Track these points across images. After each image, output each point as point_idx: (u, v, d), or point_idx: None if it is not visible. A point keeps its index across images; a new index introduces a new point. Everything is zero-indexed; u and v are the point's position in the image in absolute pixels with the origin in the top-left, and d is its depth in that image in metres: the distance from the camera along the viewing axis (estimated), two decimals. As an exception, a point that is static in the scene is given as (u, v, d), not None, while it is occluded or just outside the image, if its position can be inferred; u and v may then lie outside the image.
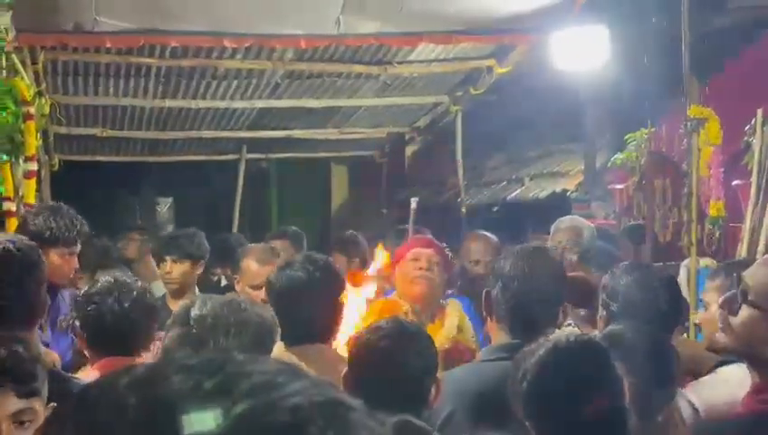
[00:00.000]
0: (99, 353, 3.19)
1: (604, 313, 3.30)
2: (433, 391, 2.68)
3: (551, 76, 7.73)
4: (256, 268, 4.62)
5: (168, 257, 5.10)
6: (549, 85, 8.21)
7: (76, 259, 4.19)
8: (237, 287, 4.87)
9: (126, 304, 3.19)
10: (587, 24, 7.08)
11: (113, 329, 3.16)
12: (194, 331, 2.24)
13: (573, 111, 8.33)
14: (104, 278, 3.35)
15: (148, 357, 3.26)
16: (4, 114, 5.81)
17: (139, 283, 3.37)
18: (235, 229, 9.79)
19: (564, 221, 5.61)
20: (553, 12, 7.01)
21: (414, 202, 4.95)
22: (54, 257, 3.94)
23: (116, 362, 3.00)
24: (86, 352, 3.35)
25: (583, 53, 7.15)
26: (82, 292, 3.37)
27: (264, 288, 4.23)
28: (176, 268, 5.08)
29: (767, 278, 2.92)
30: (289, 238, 6.28)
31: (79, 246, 4.18)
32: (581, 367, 2.28)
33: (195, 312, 2.28)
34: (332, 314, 3.28)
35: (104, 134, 9.43)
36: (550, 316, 3.06)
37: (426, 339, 2.80)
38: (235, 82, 8.42)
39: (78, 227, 4.12)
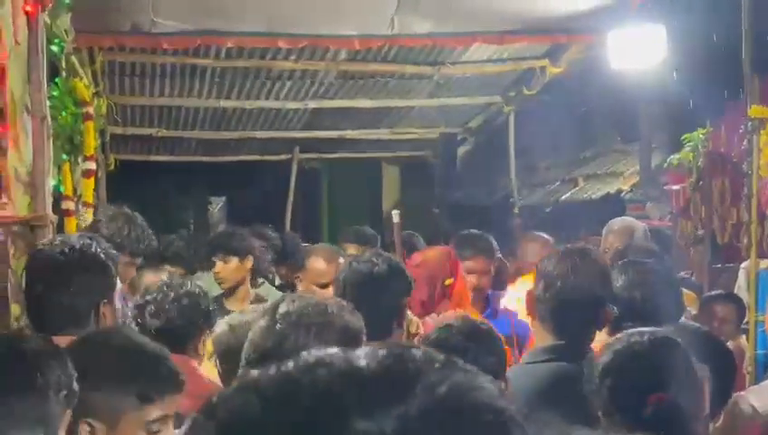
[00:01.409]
0: None
1: None
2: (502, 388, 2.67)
3: (606, 76, 7.65)
4: (323, 267, 4.61)
5: (214, 258, 5.11)
6: (604, 85, 8.14)
7: (134, 270, 4.22)
8: (301, 286, 4.87)
9: (167, 306, 3.23)
10: (643, 23, 6.99)
11: (156, 330, 3.17)
12: (278, 326, 2.27)
13: (629, 111, 8.25)
14: (157, 282, 3.38)
15: (199, 359, 3.27)
16: (64, 114, 5.89)
17: (190, 284, 3.38)
18: (287, 229, 9.83)
19: (616, 223, 5.55)
20: (609, 11, 6.93)
21: (396, 216, 4.55)
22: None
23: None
24: None
25: (640, 53, 7.06)
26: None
27: (328, 287, 4.27)
28: (224, 267, 5.09)
29: None
30: (365, 241, 6.26)
31: (139, 259, 4.22)
32: (660, 360, 2.25)
33: (282, 308, 2.31)
34: (392, 313, 3.25)
35: (159, 134, 9.54)
36: (592, 318, 3.00)
37: (495, 338, 2.79)
38: (289, 83, 8.47)
39: (147, 240, 4.17)
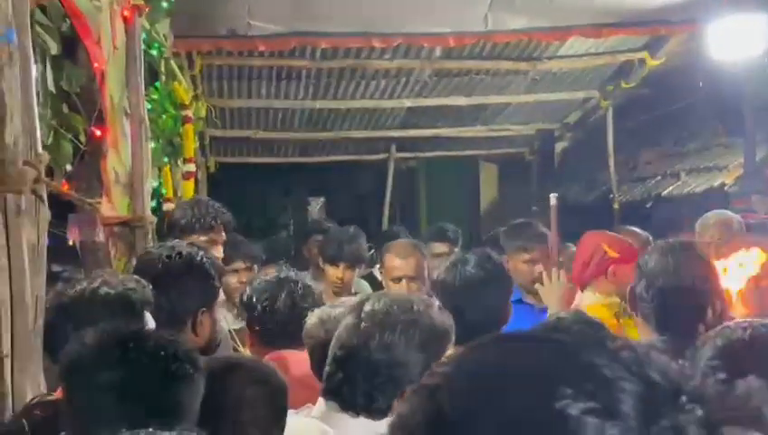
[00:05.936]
0: (267, 347, 3.25)
1: None
2: None
3: (707, 67, 7.46)
4: (396, 263, 4.60)
5: (341, 264, 5.15)
6: (705, 77, 7.95)
7: (220, 249, 4.16)
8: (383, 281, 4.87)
9: (297, 299, 3.29)
10: (744, 13, 6.80)
11: (285, 323, 3.22)
12: (363, 324, 2.29)
13: (731, 103, 8.01)
14: (269, 275, 3.44)
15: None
16: (164, 118, 6.03)
17: (305, 278, 3.45)
18: (384, 228, 9.87)
19: (712, 216, 5.42)
20: (709, 1, 6.77)
21: (554, 198, 4.37)
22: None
23: (286, 356, 3.05)
24: (250, 348, 3.44)
25: (741, 43, 6.87)
26: (249, 289, 3.45)
27: (401, 281, 4.31)
28: (348, 274, 5.15)
29: None
30: (451, 238, 6.30)
31: (220, 235, 4.17)
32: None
33: (367, 306, 2.33)
34: (501, 314, 3.29)
35: (257, 136, 9.68)
36: (697, 314, 2.93)
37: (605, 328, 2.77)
38: (384, 82, 8.49)
39: (213, 214, 4.15)
